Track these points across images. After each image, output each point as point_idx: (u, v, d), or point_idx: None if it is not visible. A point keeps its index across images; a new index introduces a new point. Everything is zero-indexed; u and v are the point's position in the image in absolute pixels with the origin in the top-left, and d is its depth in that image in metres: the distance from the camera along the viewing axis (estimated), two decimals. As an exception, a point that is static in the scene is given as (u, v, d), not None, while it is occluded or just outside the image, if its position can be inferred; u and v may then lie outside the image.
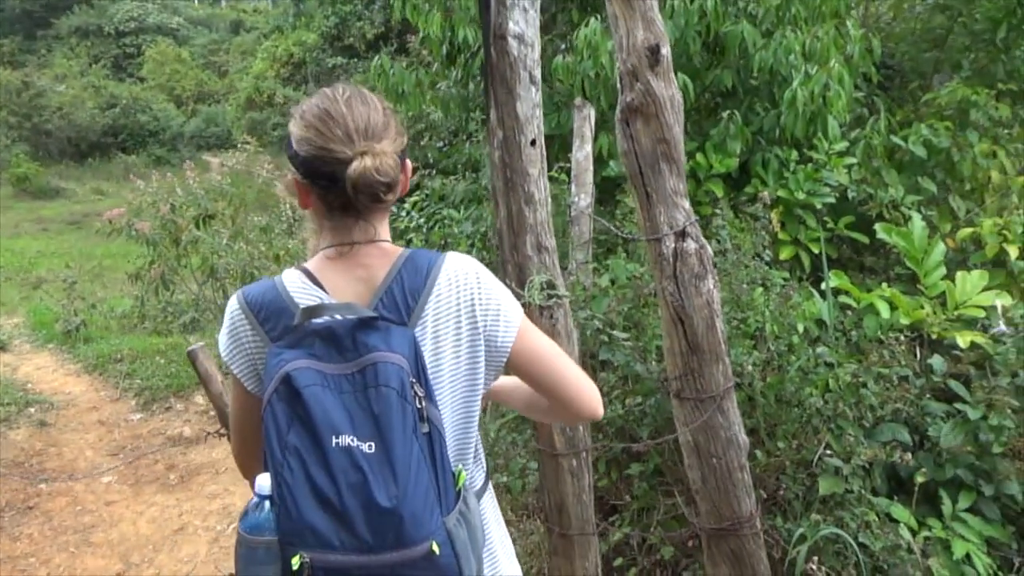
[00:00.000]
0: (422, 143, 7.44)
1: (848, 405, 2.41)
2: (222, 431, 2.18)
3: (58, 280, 10.08)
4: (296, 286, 1.19)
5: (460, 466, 1.19)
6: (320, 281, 1.19)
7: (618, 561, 2.61)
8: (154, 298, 7.62)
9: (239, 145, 11.21)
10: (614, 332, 2.56)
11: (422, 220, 5.76)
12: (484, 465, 1.35)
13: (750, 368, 2.32)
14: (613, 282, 2.98)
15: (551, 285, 1.76)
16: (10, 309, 9.27)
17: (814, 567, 2.01)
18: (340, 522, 1.03)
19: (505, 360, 1.23)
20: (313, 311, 1.12)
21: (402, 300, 1.16)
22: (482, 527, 1.23)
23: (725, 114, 3.92)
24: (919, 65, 4.96)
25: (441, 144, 7.42)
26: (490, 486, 1.38)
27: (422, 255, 1.22)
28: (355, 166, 1.11)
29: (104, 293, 8.91)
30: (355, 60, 18.91)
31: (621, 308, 2.79)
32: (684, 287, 1.99)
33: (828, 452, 2.33)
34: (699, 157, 3.93)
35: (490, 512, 1.35)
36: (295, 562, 1.02)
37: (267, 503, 1.06)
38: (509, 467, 2.95)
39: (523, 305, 1.76)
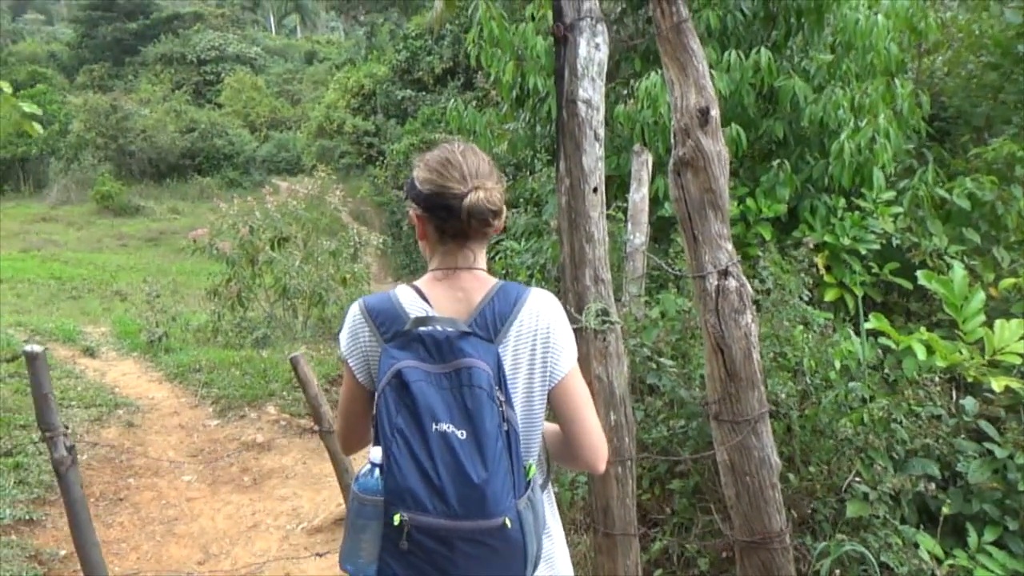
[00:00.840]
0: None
1: (879, 437, 2.59)
2: (314, 427, 2.48)
3: (137, 293, 10.77)
4: (407, 299, 1.47)
5: (530, 461, 1.45)
6: (427, 297, 1.47)
7: (658, 572, 2.83)
8: (229, 314, 8.12)
9: (311, 171, 11.79)
10: (662, 359, 2.81)
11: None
12: (545, 468, 1.61)
13: (784, 397, 2.53)
14: (663, 315, 3.22)
15: (605, 312, 2.03)
16: (94, 319, 9.93)
17: (837, 579, 2.20)
18: (434, 491, 1.29)
19: (553, 387, 1.48)
20: (422, 320, 1.40)
21: (492, 321, 1.43)
22: (543, 516, 1.47)
23: (775, 162, 4.16)
24: (971, 119, 5.11)
25: (505, 179, 7.76)
26: (550, 486, 1.64)
27: (513, 287, 1.49)
28: (471, 197, 1.42)
29: (180, 307, 9.48)
30: (423, 93, 19.59)
31: (669, 339, 3.03)
32: (724, 320, 2.23)
33: (858, 479, 2.52)
34: (749, 201, 4.17)
35: (548, 507, 1.61)
36: (396, 519, 1.29)
37: (377, 470, 1.33)
38: (560, 480, 3.20)
39: (581, 329, 2.05)
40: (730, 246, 2.27)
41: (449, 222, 1.45)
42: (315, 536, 3.96)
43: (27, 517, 3.72)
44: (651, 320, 3.24)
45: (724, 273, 2.25)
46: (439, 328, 1.38)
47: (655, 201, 4.27)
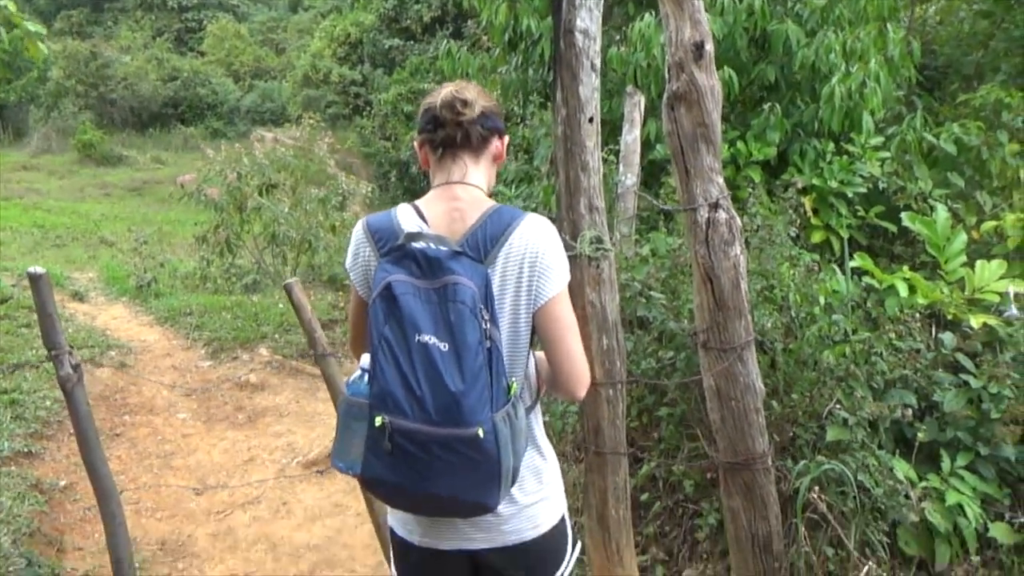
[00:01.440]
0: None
1: (860, 368, 2.69)
2: (306, 368, 2.53)
3: (123, 241, 10.72)
4: (405, 217, 1.54)
5: (513, 380, 1.49)
6: (424, 215, 1.54)
7: (645, 496, 2.95)
8: (218, 260, 8.12)
9: (297, 122, 11.66)
10: (652, 293, 2.88)
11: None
12: (533, 390, 1.66)
13: (770, 326, 2.61)
14: (653, 253, 3.29)
15: (599, 240, 2.09)
16: (80, 266, 9.88)
17: (815, 496, 2.31)
18: (414, 398, 1.36)
19: (537, 309, 1.53)
20: (413, 236, 1.45)
21: (482, 242, 1.49)
22: (526, 433, 1.53)
23: (766, 106, 4.19)
24: (961, 67, 5.15)
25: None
26: (538, 408, 1.71)
27: (508, 211, 1.54)
28: (443, 93, 1.56)
29: (168, 256, 9.46)
30: (411, 42, 19.27)
31: (659, 275, 3.10)
32: (714, 251, 2.30)
33: (838, 407, 2.62)
34: (740, 145, 4.21)
35: (537, 428, 1.68)
36: (378, 421, 1.37)
37: (366, 376, 1.42)
38: (551, 410, 3.30)
39: (575, 256, 2.10)
40: (721, 180, 2.32)
41: (436, 132, 1.57)
42: (310, 469, 4.06)
43: (26, 450, 3.79)
44: (641, 258, 3.31)
45: (715, 206, 2.31)
46: (431, 246, 1.43)
47: (646, 144, 4.30)
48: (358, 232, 1.58)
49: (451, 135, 1.56)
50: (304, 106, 20.87)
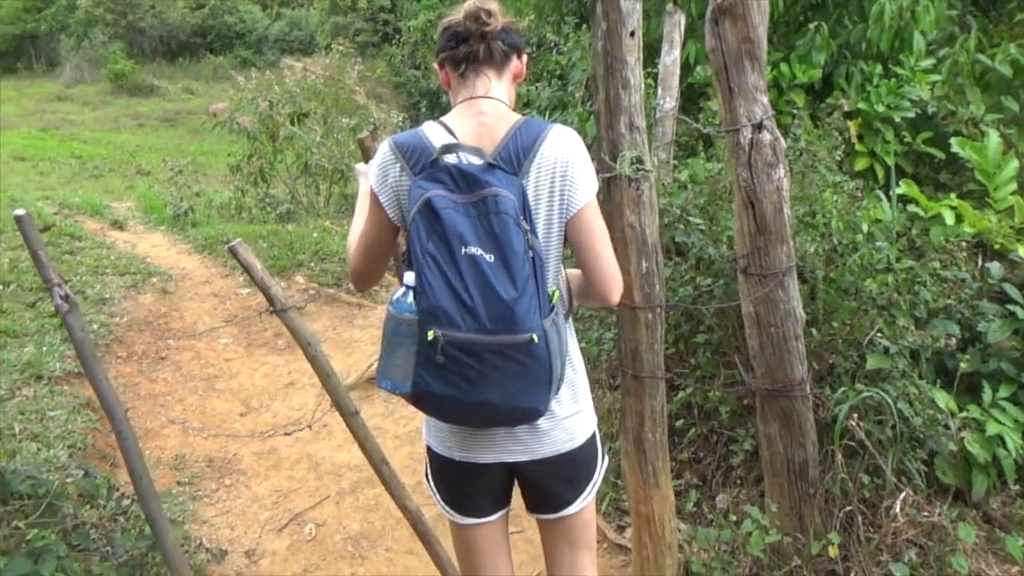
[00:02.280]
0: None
1: (903, 297, 2.64)
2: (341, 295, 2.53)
3: (159, 171, 10.81)
4: (434, 133, 1.53)
5: (553, 288, 1.53)
6: (453, 130, 1.53)
7: (679, 422, 2.97)
8: (252, 190, 8.16)
9: (328, 48, 11.48)
10: (691, 218, 2.84)
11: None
12: (566, 300, 1.67)
13: (812, 251, 2.56)
14: (692, 179, 3.22)
15: (640, 160, 2.04)
16: (118, 196, 10.01)
17: (854, 423, 2.31)
18: (465, 309, 1.38)
19: (569, 218, 1.54)
20: (448, 148, 1.46)
21: (515, 155, 1.48)
22: (567, 341, 1.58)
23: (812, 26, 4.01)
24: (1021, -17, 4.86)
25: (529, 51, 7.57)
26: (570, 321, 1.70)
27: (535, 123, 1.54)
28: (466, 6, 1.54)
29: (202, 186, 9.53)
30: (440, -35, 18.69)
31: (697, 202, 3.05)
32: (757, 174, 2.24)
33: (879, 335, 2.59)
34: (783, 67, 4.06)
35: (571, 341, 1.68)
36: (430, 335, 1.39)
37: (411, 292, 1.43)
38: (586, 336, 3.31)
39: (614, 177, 2.06)
40: (765, 99, 2.24)
41: (459, 48, 1.56)
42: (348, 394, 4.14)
43: (77, 371, 3.92)
44: (680, 184, 3.24)
45: (759, 127, 2.24)
46: (465, 161, 1.44)
47: (685, 67, 4.17)
48: (385, 152, 1.56)
49: (474, 50, 1.56)
50: (332, 34, 20.54)
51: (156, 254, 6.51)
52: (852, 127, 3.81)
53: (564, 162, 1.50)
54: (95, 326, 4.50)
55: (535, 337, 1.39)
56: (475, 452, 1.64)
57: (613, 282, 1.59)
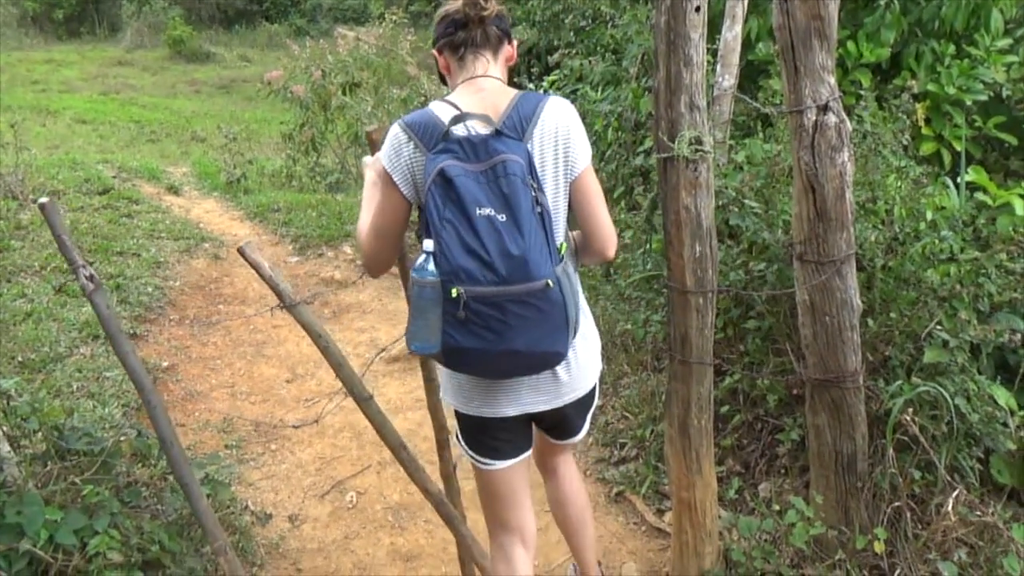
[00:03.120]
0: (565, 23, 7.49)
1: (966, 289, 2.54)
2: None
3: (213, 138, 10.99)
4: (441, 110, 1.64)
5: (561, 241, 1.67)
6: (459, 105, 1.63)
7: (725, 408, 2.92)
8: (303, 158, 8.24)
9: (382, 18, 11.45)
10: (746, 201, 2.76)
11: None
12: (574, 253, 1.84)
13: (872, 240, 2.48)
14: (749, 160, 3.14)
15: (699, 140, 1.99)
16: (174, 160, 10.21)
17: (908, 418, 2.23)
18: (484, 265, 1.50)
19: (571, 181, 1.69)
20: (458, 118, 1.58)
21: (518, 123, 1.62)
22: (578, 289, 1.74)
23: (882, 2, 3.85)
24: (1111, -41, 4.57)
25: (583, 24, 7.45)
26: (576, 272, 1.82)
27: (532, 95, 1.69)
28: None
29: (255, 153, 9.65)
30: (495, -65, 18.45)
31: (754, 184, 2.97)
32: (820, 158, 2.16)
33: (939, 328, 2.50)
34: (850, 45, 3.90)
35: (580, 291, 1.79)
36: (453, 292, 1.50)
37: (431, 258, 1.53)
38: (632, 318, 3.27)
39: (671, 157, 2.01)
40: (833, 80, 2.16)
41: (457, 33, 1.71)
42: (392, 364, 4.19)
43: (131, 332, 4.03)
44: (736, 165, 3.16)
45: (824, 108, 2.16)
46: (474, 132, 1.58)
47: (746, 43, 4.04)
48: (396, 133, 1.66)
49: (472, 34, 1.71)
50: (386, 3, 20.51)
51: (209, 220, 6.64)
52: (919, 110, 3.66)
53: (565, 128, 1.67)
54: (150, 289, 4.61)
55: (550, 283, 1.52)
56: (500, 407, 1.78)
57: (611, 238, 1.77)
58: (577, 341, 1.75)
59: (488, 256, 1.49)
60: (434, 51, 1.77)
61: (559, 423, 1.94)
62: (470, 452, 1.91)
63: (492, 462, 1.89)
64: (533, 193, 1.54)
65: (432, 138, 1.60)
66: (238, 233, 6.27)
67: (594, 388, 1.92)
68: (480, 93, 1.67)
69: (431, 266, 1.52)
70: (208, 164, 8.86)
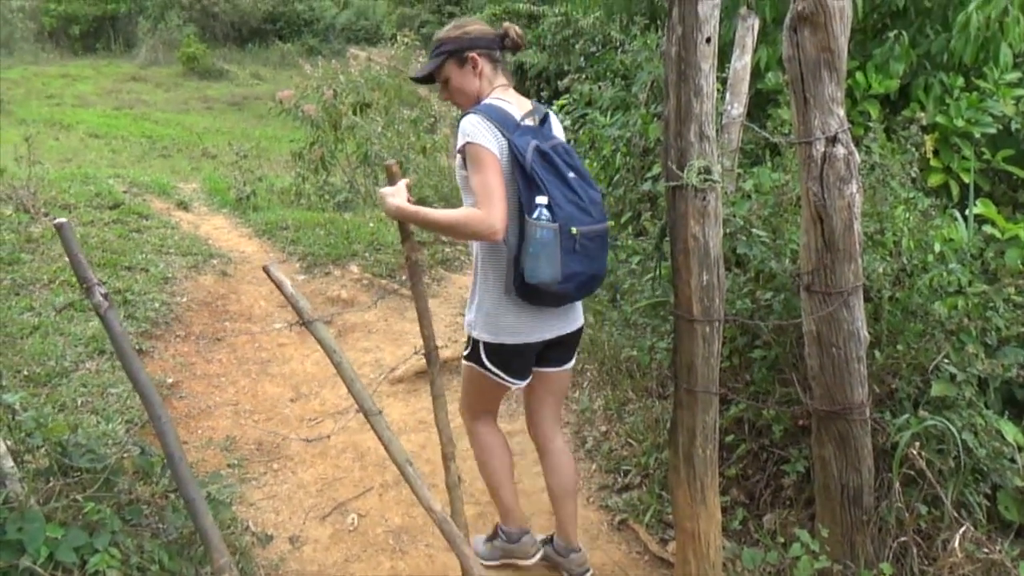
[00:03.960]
0: (575, 47, 7.55)
1: (973, 323, 2.53)
2: (394, 287, 2.54)
3: (224, 154, 11.06)
4: (502, 105, 2.24)
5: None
6: (510, 104, 2.27)
7: (729, 438, 2.91)
8: (313, 177, 8.28)
9: (394, 39, 11.56)
10: (754, 230, 2.76)
11: (568, 123, 5.96)
12: None
13: (880, 271, 2.47)
14: (756, 189, 3.14)
15: (707, 170, 1.99)
16: (184, 176, 10.28)
17: (914, 452, 2.22)
18: (584, 211, 2.13)
19: None
20: (528, 114, 2.28)
21: (542, 119, 2.31)
22: None
23: (892, 34, 3.87)
24: (1120, -5, 4.59)
25: (593, 50, 7.51)
26: None
27: (537, 103, 2.38)
28: (514, 30, 2.35)
29: (265, 171, 9.70)
30: (508, -40, 18.65)
31: (762, 213, 2.97)
32: (828, 189, 2.17)
33: (946, 361, 2.48)
34: (858, 76, 3.93)
35: None
36: (573, 230, 2.07)
37: (544, 209, 2.06)
38: (638, 345, 3.26)
39: (680, 186, 2.02)
40: (842, 112, 2.17)
41: (494, 52, 2.33)
42: (396, 386, 4.18)
43: (137, 347, 4.03)
44: (743, 194, 3.17)
45: (833, 140, 2.17)
46: (533, 123, 2.27)
47: (756, 73, 4.07)
48: (479, 122, 2.14)
49: (504, 56, 2.37)
50: (398, 24, 20.71)
51: (218, 236, 6.66)
52: (928, 141, 3.67)
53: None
54: (157, 304, 4.62)
55: (611, 222, 2.02)
56: (542, 332, 2.32)
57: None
58: None
59: (586, 204, 2.13)
60: (473, 54, 2.28)
61: (563, 348, 2.44)
62: (500, 374, 2.36)
63: (518, 381, 2.40)
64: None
65: (509, 125, 2.16)
66: (246, 250, 6.29)
67: (582, 326, 2.49)
68: (517, 98, 2.31)
69: (546, 215, 2.05)
70: (218, 180, 8.92)
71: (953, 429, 2.27)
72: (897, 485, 2.32)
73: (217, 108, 18.77)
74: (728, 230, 2.87)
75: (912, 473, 2.34)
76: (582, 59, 7.52)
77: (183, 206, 7.65)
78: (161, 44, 23.55)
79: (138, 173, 9.01)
